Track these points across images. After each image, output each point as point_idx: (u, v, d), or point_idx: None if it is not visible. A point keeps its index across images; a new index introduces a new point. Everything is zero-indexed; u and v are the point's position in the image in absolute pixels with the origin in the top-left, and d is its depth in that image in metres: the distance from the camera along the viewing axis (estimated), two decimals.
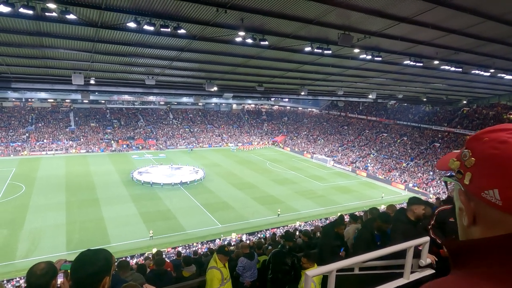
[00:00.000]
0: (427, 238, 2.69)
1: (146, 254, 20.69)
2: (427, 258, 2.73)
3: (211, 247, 21.52)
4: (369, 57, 17.23)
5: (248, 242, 14.35)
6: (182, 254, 12.91)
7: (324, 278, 2.11)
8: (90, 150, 56.13)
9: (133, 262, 17.15)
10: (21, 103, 61.30)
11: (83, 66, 20.25)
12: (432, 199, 30.28)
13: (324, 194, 39.16)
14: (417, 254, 2.67)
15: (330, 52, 15.95)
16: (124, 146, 59.30)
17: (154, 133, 65.50)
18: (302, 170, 50.47)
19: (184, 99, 72.03)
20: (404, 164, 49.42)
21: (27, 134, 55.53)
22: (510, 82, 26.33)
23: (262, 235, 24.77)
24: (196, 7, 11.80)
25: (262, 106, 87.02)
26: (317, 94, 39.68)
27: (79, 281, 1.75)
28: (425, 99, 41.98)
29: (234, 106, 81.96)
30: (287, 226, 28.15)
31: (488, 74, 21.42)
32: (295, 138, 72.17)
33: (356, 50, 16.89)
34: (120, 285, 2.66)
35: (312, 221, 29.82)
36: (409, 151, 52.48)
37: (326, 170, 52.33)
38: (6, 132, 54.52)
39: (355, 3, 11.67)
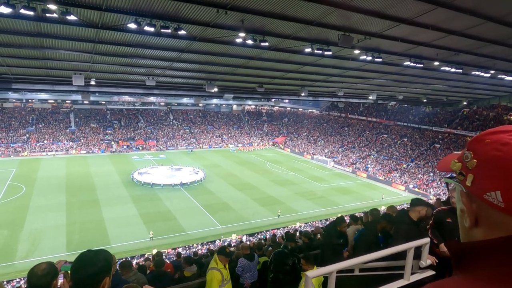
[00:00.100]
0: (427, 239, 2.69)
1: (146, 255, 20.66)
2: (427, 259, 2.73)
3: (211, 248, 21.51)
4: (369, 58, 17.22)
5: (248, 243, 14.34)
6: (182, 255, 12.91)
7: (325, 280, 2.11)
8: (90, 151, 56.15)
9: (133, 263, 17.14)
10: (22, 104, 61.37)
11: (84, 67, 20.28)
12: (432, 200, 30.24)
13: (324, 195, 39.14)
14: (418, 255, 2.67)
15: (330, 53, 15.96)
16: (125, 147, 59.32)
17: (155, 134, 65.52)
18: (302, 171, 50.45)
19: (185, 100, 72.12)
20: (404, 165, 49.40)
21: (27, 135, 55.57)
22: (510, 83, 26.32)
23: (262, 236, 24.76)
24: (196, 8, 11.82)
25: (262, 107, 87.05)
26: (318, 95, 39.68)
27: (79, 281, 1.75)
28: (425, 100, 41.98)
29: (235, 107, 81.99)
30: (287, 227, 28.13)
31: (488, 75, 21.42)
32: (295, 139, 72.17)
33: (357, 51, 16.88)
34: (121, 286, 2.66)
35: (312, 222, 29.82)
36: (409, 152, 52.46)
37: (326, 171, 52.30)
38: (7, 133, 54.56)
39: (355, 4, 11.67)
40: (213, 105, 77.97)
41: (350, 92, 35.28)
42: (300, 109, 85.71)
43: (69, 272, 1.86)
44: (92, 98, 59.99)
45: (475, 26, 13.54)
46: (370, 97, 36.77)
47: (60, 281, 2.38)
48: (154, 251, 19.81)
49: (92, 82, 24.00)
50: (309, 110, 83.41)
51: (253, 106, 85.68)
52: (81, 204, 31.70)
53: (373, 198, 39.18)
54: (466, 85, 28.85)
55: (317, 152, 62.50)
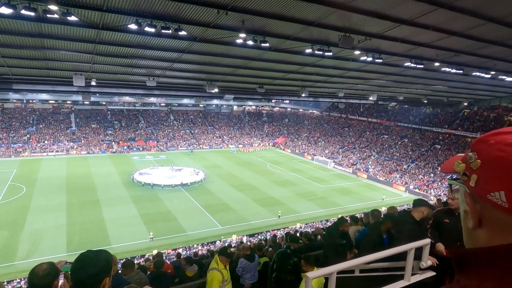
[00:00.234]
0: (428, 240, 2.69)
1: (146, 256, 20.66)
2: (428, 260, 2.73)
3: (212, 248, 21.50)
4: (369, 59, 17.22)
5: (248, 243, 14.34)
6: (182, 256, 12.91)
7: (326, 281, 2.11)
8: (90, 152, 56.19)
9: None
10: (22, 104, 61.46)
11: (84, 68, 20.30)
12: (433, 201, 30.22)
13: (324, 196, 39.12)
14: (418, 256, 2.67)
15: (330, 54, 15.96)
16: (125, 147, 59.36)
17: (155, 134, 65.56)
18: (303, 172, 50.44)
19: (185, 101, 72.19)
20: (404, 166, 49.37)
21: (28, 136, 55.62)
22: (511, 84, 26.29)
23: (262, 237, 24.75)
24: (197, 9, 11.83)
25: (262, 107, 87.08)
26: (318, 96, 39.67)
27: (79, 282, 1.75)
28: (425, 101, 41.98)
29: (235, 107, 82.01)
30: (288, 227, 28.11)
31: (489, 76, 21.41)
32: (295, 139, 72.18)
33: (357, 52, 16.88)
34: (122, 286, 2.66)
35: (313, 223, 29.80)
36: (410, 153, 52.44)
37: (327, 171, 52.28)
38: (7, 133, 54.62)
39: (355, 5, 11.67)
40: (214, 105, 78.02)
41: (351, 92, 35.28)
42: (300, 110, 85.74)
43: (69, 272, 1.86)
44: (92, 99, 60.28)
45: (475, 27, 13.54)
46: (371, 98, 36.76)
47: (61, 281, 2.39)
48: (155, 252, 19.80)
49: (93, 83, 24.02)
50: (310, 111, 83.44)
51: (253, 107, 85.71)
52: (82, 205, 31.71)
53: (374, 199, 39.15)
54: (467, 86, 28.84)
55: (317, 152, 62.49)
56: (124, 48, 16.45)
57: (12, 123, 57.19)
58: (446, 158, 46.69)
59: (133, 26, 12.28)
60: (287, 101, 76.24)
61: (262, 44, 14.52)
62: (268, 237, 23.53)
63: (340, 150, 61.16)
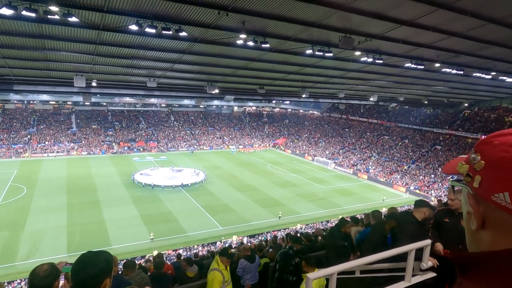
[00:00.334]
0: (428, 241, 2.69)
1: (147, 257, 20.67)
2: (428, 261, 2.73)
3: (212, 249, 21.50)
4: (370, 59, 17.24)
5: (249, 244, 14.34)
6: (182, 256, 12.91)
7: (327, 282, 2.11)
8: (91, 152, 56.23)
9: None
10: (23, 105, 61.54)
11: (85, 69, 20.33)
12: (433, 201, 30.19)
13: (325, 197, 39.10)
14: (419, 257, 2.66)
15: (331, 54, 15.98)
16: (126, 148, 59.39)
17: (155, 135, 65.59)
18: (303, 173, 50.42)
19: (186, 102, 72.25)
20: (405, 167, 49.34)
21: (28, 136, 55.68)
22: (511, 85, 26.29)
23: (263, 238, 24.74)
24: (197, 10, 11.85)
25: (263, 108, 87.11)
26: (318, 97, 39.70)
27: (80, 283, 1.75)
28: (426, 102, 41.99)
29: (235, 108, 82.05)
30: (288, 228, 28.10)
31: (489, 77, 21.40)
32: (296, 140, 72.17)
33: (357, 53, 16.90)
34: (123, 287, 2.66)
35: (313, 223, 29.78)
36: (411, 153, 52.41)
37: (327, 172, 52.26)
38: (8, 134, 54.68)
39: (356, 6, 11.68)
40: (214, 106, 78.07)
41: (351, 93, 35.30)
42: (301, 111, 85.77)
43: (70, 273, 1.86)
44: (93, 100, 60.40)
45: (476, 28, 13.54)
46: (371, 99, 36.77)
47: (61, 282, 2.39)
48: (155, 253, 19.80)
49: (93, 84, 24.06)
50: (310, 112, 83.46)
51: (254, 108, 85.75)
52: (82, 205, 31.72)
53: (374, 199, 39.11)
54: (467, 86, 28.84)
55: (318, 153, 62.47)
56: (125, 49, 16.48)
57: (12, 124, 57.27)
58: (447, 159, 46.66)
59: (133, 27, 12.31)
60: (288, 102, 76.34)
61: (263, 45, 14.54)
62: (268, 238, 23.52)
63: (341, 151, 61.13)
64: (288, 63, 20.48)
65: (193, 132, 69.97)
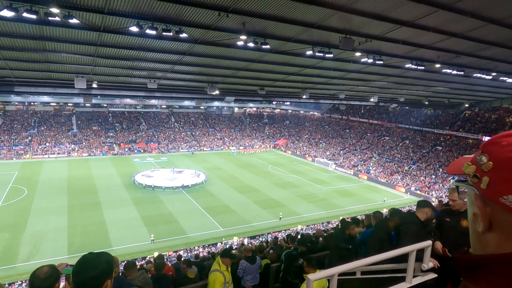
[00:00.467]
0: (429, 242, 2.68)
1: (147, 258, 20.67)
2: (429, 262, 2.72)
3: (213, 251, 21.48)
4: (370, 60, 17.25)
5: (250, 245, 14.32)
6: (182, 258, 12.91)
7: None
8: (92, 154, 56.27)
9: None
10: (24, 106, 61.59)
11: (86, 70, 20.37)
12: (434, 202, 30.16)
13: (326, 198, 39.06)
14: (419, 258, 2.66)
15: (331, 55, 15.98)
16: (126, 149, 59.42)
17: (156, 136, 65.62)
18: (304, 174, 50.40)
19: (186, 103, 72.29)
20: (406, 168, 49.29)
21: (29, 138, 55.74)
22: None
23: (264, 239, 24.72)
24: (197, 12, 11.87)
25: (263, 109, 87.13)
26: (319, 98, 39.73)
27: (81, 284, 1.75)
28: (427, 103, 41.97)
29: (236, 109, 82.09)
30: (289, 229, 28.08)
31: (490, 77, 21.40)
32: (296, 141, 72.16)
33: (358, 54, 16.91)
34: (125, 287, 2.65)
35: (314, 224, 29.76)
36: (411, 154, 52.36)
37: (328, 173, 52.23)
38: (9, 136, 54.74)
39: (356, 7, 11.69)
40: (215, 107, 78.10)
41: (352, 94, 35.31)
42: (301, 112, 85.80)
43: (70, 275, 1.86)
44: (94, 101, 60.34)
45: (476, 29, 13.54)
46: (372, 100, 36.78)
47: (62, 284, 2.39)
48: (156, 254, 19.78)
49: (94, 85, 24.11)
50: (311, 113, 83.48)
51: (254, 109, 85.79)
52: (83, 207, 31.73)
53: (375, 200, 39.07)
54: (468, 87, 28.84)
55: (318, 154, 62.44)
56: (125, 50, 16.51)
57: (13, 126, 57.34)
58: (448, 159, 46.61)
59: (134, 29, 12.34)
60: (288, 103, 76.29)
61: (263, 46, 14.55)
62: (269, 239, 23.50)
63: (341, 151, 61.11)
64: (288, 64, 20.50)
65: (193, 133, 70.00)
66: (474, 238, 0.80)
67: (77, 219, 28.85)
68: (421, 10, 11.88)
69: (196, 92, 30.87)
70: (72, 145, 56.75)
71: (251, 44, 14.31)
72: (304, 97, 31.61)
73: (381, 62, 17.49)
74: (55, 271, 2.34)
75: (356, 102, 43.67)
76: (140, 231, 27.31)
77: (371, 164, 53.63)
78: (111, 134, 62.45)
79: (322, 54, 15.83)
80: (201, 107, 75.08)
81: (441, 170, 44.92)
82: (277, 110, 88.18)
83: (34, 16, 10.64)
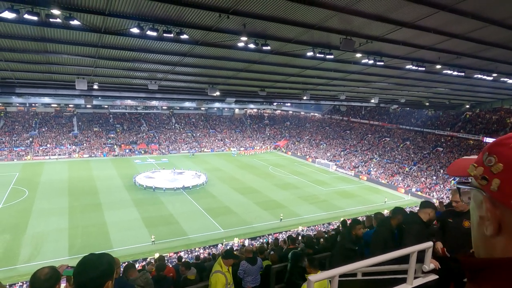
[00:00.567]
0: (430, 243, 2.68)
1: (148, 259, 20.65)
2: (430, 263, 2.71)
3: (213, 252, 21.46)
4: (371, 61, 17.25)
5: (251, 247, 14.31)
6: (183, 259, 12.90)
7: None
8: (93, 155, 56.33)
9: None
10: (25, 108, 61.71)
11: (87, 71, 20.40)
12: (435, 203, 30.10)
13: (326, 199, 39.03)
14: (420, 259, 2.65)
15: (332, 57, 16.00)
16: (127, 150, 59.47)
17: (157, 137, 65.67)
18: (305, 175, 50.36)
19: (187, 104, 72.33)
20: (407, 169, 49.22)
21: (30, 139, 55.82)
22: None
23: (264, 240, 24.69)
24: (198, 13, 11.89)
25: (264, 110, 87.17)
26: (320, 99, 39.71)
27: (82, 285, 1.76)
28: (427, 104, 41.94)
29: (237, 110, 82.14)
30: (290, 231, 28.05)
31: (490, 78, 21.37)
32: (297, 142, 72.13)
33: (358, 55, 16.93)
34: None
35: (315, 226, 29.72)
36: (412, 155, 52.29)
37: (329, 174, 52.19)
38: (10, 137, 54.84)
39: (357, 8, 11.71)
40: (215, 108, 78.17)
41: (352, 95, 35.29)
42: (302, 113, 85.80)
43: (71, 276, 1.86)
44: (94, 102, 60.35)
45: (477, 30, 13.55)
46: (372, 101, 36.76)
47: (63, 285, 2.39)
48: (156, 255, 19.75)
49: (95, 86, 24.13)
50: (311, 114, 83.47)
51: (255, 110, 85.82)
52: (84, 208, 31.74)
53: (376, 201, 39.02)
54: (469, 88, 28.82)
55: (319, 155, 62.40)
56: (126, 51, 16.54)
57: (14, 127, 57.44)
58: (449, 160, 46.53)
59: (135, 30, 12.37)
60: (289, 104, 76.29)
61: (264, 47, 14.56)
62: (270, 240, 23.48)
63: (342, 153, 61.07)
64: (289, 65, 20.51)
65: (194, 135, 70.03)
66: (479, 241, 0.78)
67: (78, 221, 28.87)
68: (422, 11, 11.88)
69: (197, 93, 30.88)
70: (73, 146, 56.82)
71: (251, 46, 14.33)
72: (304, 98, 31.60)
73: (382, 63, 17.50)
74: (56, 273, 2.34)
75: (357, 103, 43.66)
76: (140, 232, 27.31)
77: (372, 165, 53.57)
78: (112, 135, 62.51)
79: (322, 55, 15.84)
80: (202, 108, 75.15)
81: (442, 171, 44.84)
82: (278, 111, 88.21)
83: (35, 18, 10.67)
